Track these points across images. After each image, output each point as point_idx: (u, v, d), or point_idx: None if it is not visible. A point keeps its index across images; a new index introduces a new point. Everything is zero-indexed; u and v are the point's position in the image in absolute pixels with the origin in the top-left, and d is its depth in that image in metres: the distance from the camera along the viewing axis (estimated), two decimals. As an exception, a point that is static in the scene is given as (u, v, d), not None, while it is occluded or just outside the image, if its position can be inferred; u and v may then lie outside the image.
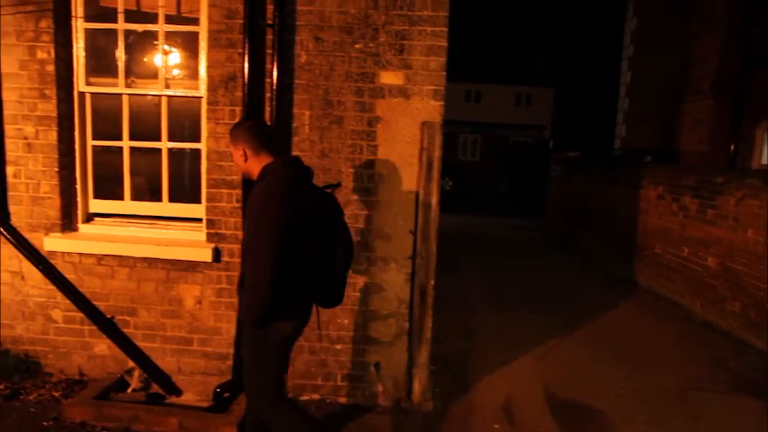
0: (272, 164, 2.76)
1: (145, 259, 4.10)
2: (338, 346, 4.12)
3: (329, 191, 2.98)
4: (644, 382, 4.87)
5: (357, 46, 3.83)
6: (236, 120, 3.87)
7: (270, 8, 3.80)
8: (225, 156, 3.95)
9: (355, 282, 4.01)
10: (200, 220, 4.21)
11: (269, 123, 3.80)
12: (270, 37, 3.81)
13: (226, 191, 3.98)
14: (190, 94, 4.10)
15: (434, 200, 3.85)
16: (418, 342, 4.02)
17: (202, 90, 4.05)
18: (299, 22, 3.84)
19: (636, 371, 5.11)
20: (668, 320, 6.89)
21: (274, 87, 3.77)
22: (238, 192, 3.96)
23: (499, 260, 10.26)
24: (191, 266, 4.07)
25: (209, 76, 3.92)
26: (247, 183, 3.81)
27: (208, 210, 4.04)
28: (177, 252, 4.05)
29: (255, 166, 2.79)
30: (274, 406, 2.85)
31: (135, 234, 4.19)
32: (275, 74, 3.76)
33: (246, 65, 3.76)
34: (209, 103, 3.93)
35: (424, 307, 3.97)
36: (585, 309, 7.09)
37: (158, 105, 4.15)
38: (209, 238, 4.05)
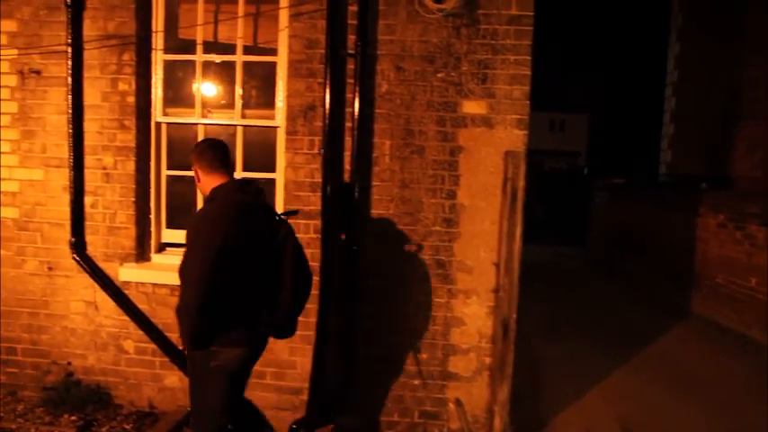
0: (223, 186, 2.72)
1: (220, 290, 4.02)
2: (416, 381, 3.99)
3: (285, 218, 2.88)
4: (727, 424, 4.63)
5: (439, 75, 3.77)
6: (315, 150, 3.84)
7: (351, 38, 3.76)
8: (303, 186, 3.90)
9: (435, 315, 3.90)
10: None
11: (348, 152, 3.76)
12: (351, 66, 3.78)
13: (303, 221, 3.92)
14: (266, 124, 4.07)
15: (518, 231, 3.73)
16: (500, 378, 3.87)
17: (279, 120, 4.02)
18: (380, 52, 3.79)
19: (715, 411, 4.87)
20: (737, 354, 6.61)
21: (356, 117, 3.72)
22: (316, 222, 3.89)
23: (547, 288, 10.04)
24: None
25: (289, 106, 3.89)
26: (326, 212, 3.75)
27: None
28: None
29: (207, 186, 2.76)
30: None
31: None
32: (357, 103, 3.71)
33: (328, 94, 3.72)
34: (287, 133, 3.89)
35: (506, 342, 3.83)
36: (647, 340, 6.85)
37: (233, 135, 4.12)
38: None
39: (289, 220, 2.93)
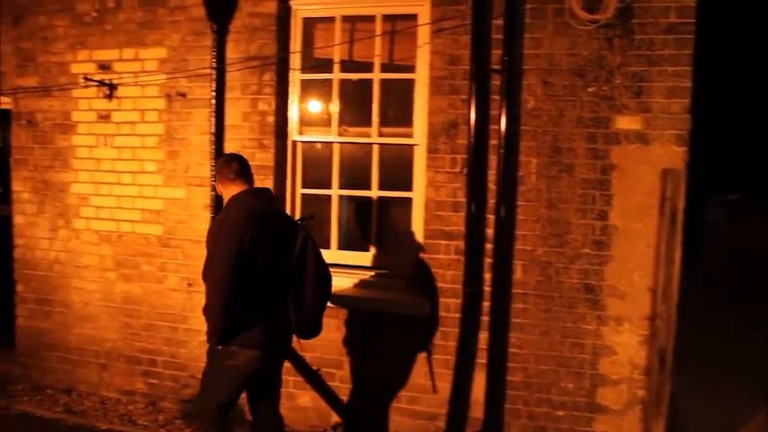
0: (237, 195, 2.89)
1: (354, 311, 3.98)
2: (560, 413, 3.77)
3: (301, 223, 3.03)
4: None
5: (589, 90, 3.58)
6: (457, 168, 3.73)
7: (495, 53, 3.64)
8: (444, 205, 3.79)
9: (583, 342, 3.68)
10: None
11: (496, 171, 3.62)
12: (495, 82, 3.64)
13: (444, 242, 3.81)
14: (404, 142, 4.00)
15: (678, 255, 3.47)
16: (654, 413, 3.60)
17: (417, 138, 3.94)
18: (526, 66, 3.65)
19: None
20: None
21: (502, 134, 3.58)
22: (458, 243, 3.77)
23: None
24: (402, 320, 3.90)
25: (430, 124, 3.80)
26: (470, 233, 3.63)
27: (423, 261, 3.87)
28: (391, 305, 3.89)
29: (227, 196, 2.95)
30: (210, 427, 2.96)
31: (347, 285, 4.09)
32: (503, 120, 3.57)
33: (473, 111, 3.61)
34: (428, 151, 3.80)
35: (662, 374, 3.56)
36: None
37: (368, 153, 4.08)
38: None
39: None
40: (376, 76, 4.01)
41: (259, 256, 2.73)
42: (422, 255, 3.91)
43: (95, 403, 4.60)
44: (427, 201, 3.84)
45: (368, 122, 4.08)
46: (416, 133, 3.95)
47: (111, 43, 4.42)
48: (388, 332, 3.94)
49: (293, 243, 2.89)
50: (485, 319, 3.78)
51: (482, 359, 3.80)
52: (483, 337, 3.80)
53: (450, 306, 3.85)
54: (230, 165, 2.97)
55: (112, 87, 4.38)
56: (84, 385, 4.74)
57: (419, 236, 3.94)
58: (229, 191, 2.95)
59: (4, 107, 4.97)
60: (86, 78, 4.28)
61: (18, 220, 4.84)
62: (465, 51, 3.70)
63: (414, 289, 3.97)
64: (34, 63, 4.67)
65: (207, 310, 2.76)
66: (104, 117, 4.48)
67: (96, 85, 4.32)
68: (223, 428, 2.98)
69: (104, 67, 4.45)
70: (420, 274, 3.89)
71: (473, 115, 3.62)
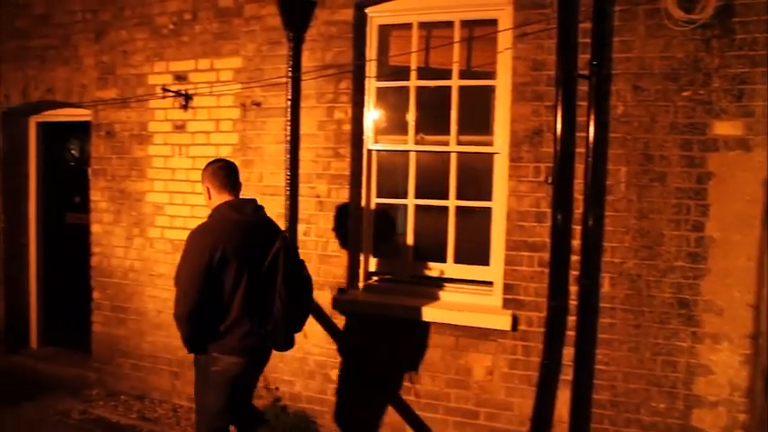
0: (219, 206, 2.92)
1: (434, 324, 3.88)
2: (651, 434, 3.56)
3: (283, 232, 3.07)
4: None
5: (684, 94, 3.39)
6: (541, 177, 3.60)
7: (582, 57, 3.50)
8: (527, 216, 3.66)
9: (676, 360, 3.48)
10: (487, 283, 3.93)
11: (582, 180, 3.47)
12: (582, 88, 3.50)
13: (527, 253, 3.67)
14: (483, 151, 3.88)
15: (783, 269, 3.23)
16: (757, 438, 3.35)
17: (498, 146, 3.83)
18: (614, 71, 3.49)
19: None
20: None
21: (590, 142, 3.43)
22: (542, 255, 3.63)
23: None
24: (483, 334, 3.78)
25: (512, 132, 3.68)
26: (555, 244, 3.49)
27: (506, 273, 3.75)
28: (469, 318, 3.78)
29: (214, 203, 2.98)
30: None
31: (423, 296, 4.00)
32: (592, 127, 3.42)
33: (559, 118, 3.47)
34: (510, 160, 3.68)
35: (766, 396, 3.31)
36: None
37: (445, 162, 3.98)
38: (506, 304, 3.75)
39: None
40: (454, 82, 3.91)
41: (232, 266, 2.75)
42: (503, 266, 3.77)
43: (168, 411, 4.62)
44: (509, 211, 3.71)
45: (445, 130, 3.98)
46: (497, 141, 3.84)
47: (187, 54, 4.47)
48: (468, 345, 3.81)
49: (268, 253, 2.91)
50: (570, 333, 3.62)
51: (567, 376, 3.64)
52: (568, 352, 3.64)
53: (533, 320, 3.70)
54: (226, 172, 3.01)
55: (188, 98, 4.42)
56: (157, 392, 4.77)
57: (500, 247, 3.82)
58: (219, 199, 2.98)
59: (83, 119, 5.08)
60: (164, 89, 4.34)
61: (95, 228, 4.93)
62: (549, 56, 3.57)
63: (494, 302, 3.84)
64: (113, 76, 4.76)
65: (174, 318, 2.80)
66: (180, 127, 4.52)
67: (173, 96, 4.36)
68: None
69: (180, 77, 4.50)
70: (505, 286, 3.76)
71: (559, 122, 3.49)
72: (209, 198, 3.01)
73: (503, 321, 3.70)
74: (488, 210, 3.90)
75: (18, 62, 5.18)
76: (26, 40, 5.13)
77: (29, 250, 5.59)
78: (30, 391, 4.87)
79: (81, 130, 5.28)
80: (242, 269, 2.80)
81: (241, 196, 3.11)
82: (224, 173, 3.01)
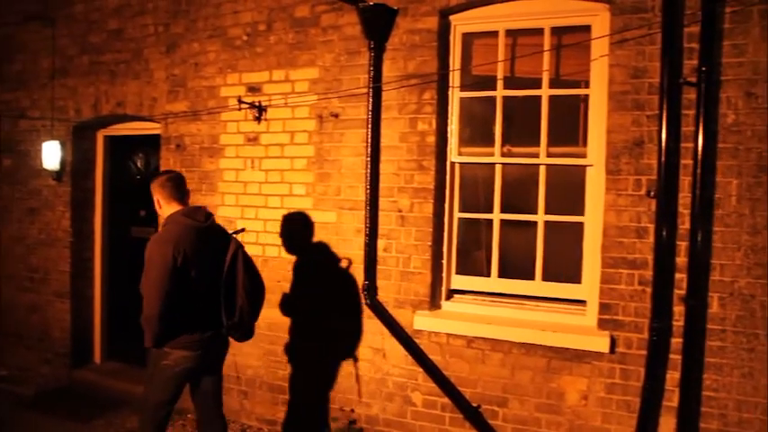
0: (173, 214, 3.15)
1: (522, 344, 3.69)
2: (766, 467, 3.28)
3: (234, 236, 3.30)
4: None
5: (803, 101, 3.16)
6: (642, 190, 3.40)
7: (687, 63, 3.31)
8: (627, 231, 3.45)
9: (796, 388, 3.20)
10: (577, 301, 3.73)
11: (688, 194, 3.27)
12: (687, 96, 3.31)
13: (626, 271, 3.46)
14: (576, 163, 3.70)
15: None
16: None
17: (592, 158, 3.64)
18: (724, 77, 3.29)
19: None
20: None
21: (699, 153, 3.21)
22: (643, 273, 3.41)
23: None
24: (577, 356, 3.57)
25: (609, 143, 3.49)
26: (658, 261, 3.28)
27: (602, 292, 3.53)
28: (562, 339, 3.58)
29: (165, 213, 3.20)
30: (145, 425, 3.22)
31: (509, 315, 3.81)
32: (700, 137, 3.21)
33: (664, 128, 3.27)
34: (608, 173, 3.49)
35: None
36: None
37: (533, 175, 3.80)
38: (602, 324, 3.53)
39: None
40: (544, 92, 3.75)
41: (192, 268, 3.02)
42: (598, 284, 3.57)
43: (236, 431, 4.48)
44: (606, 226, 3.51)
45: (532, 142, 3.81)
46: (591, 153, 3.65)
47: (261, 65, 4.39)
48: (561, 368, 3.61)
49: (225, 254, 3.16)
50: (674, 357, 3.38)
51: (670, 402, 3.41)
52: (671, 377, 3.40)
53: (632, 341, 3.48)
54: (173, 183, 3.22)
55: (262, 109, 4.33)
56: (225, 411, 4.61)
57: (594, 264, 3.61)
58: (169, 209, 3.20)
59: (151, 132, 5.04)
60: (240, 101, 4.25)
61: (163, 243, 4.85)
62: (651, 63, 3.38)
63: (588, 321, 3.63)
64: (184, 88, 4.71)
65: (145, 319, 2.98)
66: (252, 140, 4.43)
67: (248, 108, 4.27)
68: (157, 428, 3.21)
69: (254, 89, 4.42)
70: (602, 306, 3.55)
71: (663, 132, 3.29)
72: (160, 208, 3.24)
73: (600, 343, 3.49)
74: (578, 225, 3.70)
75: (89, 77, 5.18)
76: (98, 55, 5.13)
77: (94, 264, 5.56)
78: (97, 408, 4.81)
79: (147, 144, 5.26)
80: (201, 270, 3.07)
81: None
82: (171, 184, 3.21)
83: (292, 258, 4.30)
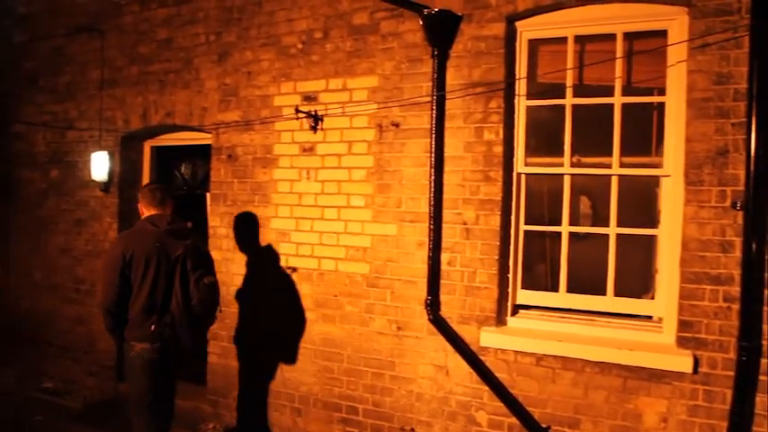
0: (143, 218, 3.58)
1: (596, 363, 3.52)
2: None
3: (188, 241, 3.52)
4: None
5: None
6: (727, 202, 3.24)
7: (775, 68, 3.11)
8: (710, 245, 3.29)
9: None
10: (650, 317, 3.57)
11: None
12: (777, 102, 3.11)
13: (709, 287, 3.29)
14: (652, 173, 3.54)
15: None
16: None
17: (668, 167, 3.48)
18: (817, 83, 3.09)
19: None
20: None
21: (793, 164, 3.04)
22: (728, 289, 3.25)
23: None
24: (655, 375, 3.40)
25: (689, 152, 3.33)
26: (746, 276, 3.10)
27: (681, 308, 3.36)
28: (640, 357, 3.41)
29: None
30: (135, 415, 3.51)
31: (580, 332, 3.65)
32: (797, 146, 3.03)
33: (752, 137, 3.11)
34: (688, 183, 3.33)
35: None
36: None
37: (605, 186, 3.65)
38: (682, 342, 3.37)
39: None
40: (617, 100, 3.60)
41: (140, 267, 3.34)
42: (677, 300, 3.40)
43: (290, 449, 4.36)
44: (686, 239, 3.35)
45: (602, 151, 3.66)
46: (667, 163, 3.49)
47: (317, 74, 4.30)
48: (638, 388, 3.44)
49: (171, 258, 3.42)
50: (763, 378, 3.19)
51: (761, 428, 3.22)
52: (761, 400, 3.22)
53: (716, 361, 3.30)
54: (153, 194, 3.63)
55: (318, 119, 4.23)
56: (277, 429, 4.54)
57: (672, 279, 3.45)
58: (144, 215, 3.61)
59: (198, 142, 4.98)
60: (297, 110, 4.15)
61: (213, 255, 4.74)
62: (737, 68, 3.22)
63: (665, 339, 3.46)
64: (236, 97, 4.64)
65: (100, 309, 3.50)
66: (308, 150, 4.33)
67: (305, 117, 4.18)
68: (146, 414, 3.46)
69: (309, 98, 4.33)
70: (682, 323, 3.38)
71: (753, 141, 3.12)
72: (142, 214, 3.64)
73: (683, 362, 3.32)
74: (649, 238, 3.54)
75: (138, 87, 5.14)
76: (147, 65, 5.08)
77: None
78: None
79: (195, 154, 5.19)
80: (148, 270, 3.35)
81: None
82: (151, 194, 3.62)
83: (349, 272, 4.18)
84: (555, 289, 3.83)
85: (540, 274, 3.91)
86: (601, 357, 3.52)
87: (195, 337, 3.53)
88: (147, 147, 5.49)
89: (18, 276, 5.97)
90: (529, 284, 3.92)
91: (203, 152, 4.90)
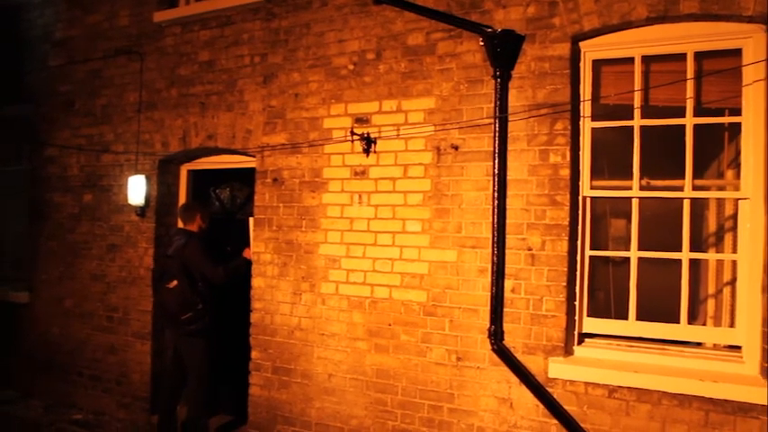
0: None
1: (675, 395, 3.35)
2: None
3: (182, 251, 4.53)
4: None
5: None
6: (815, 226, 3.08)
7: None
8: (798, 271, 3.12)
9: None
10: (728, 347, 3.41)
11: None
12: None
13: (799, 315, 3.13)
14: (730, 196, 3.42)
15: None
16: None
17: (746, 190, 3.35)
18: None
19: None
20: None
21: None
22: (820, 317, 3.07)
23: None
24: (740, 409, 3.23)
25: (772, 174, 3.20)
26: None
27: (765, 337, 3.20)
28: (723, 390, 3.24)
29: None
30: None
31: (653, 362, 3.50)
32: None
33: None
34: (771, 207, 3.19)
35: None
36: None
37: (676, 210, 3.52)
38: (766, 373, 3.19)
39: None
40: (688, 121, 3.49)
41: (160, 270, 4.62)
42: (760, 329, 3.25)
43: (339, 486, 4.16)
44: (770, 265, 3.20)
45: (672, 174, 3.54)
46: (745, 185, 3.36)
47: (369, 95, 4.20)
48: (723, 422, 3.27)
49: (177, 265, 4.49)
50: None
51: None
52: None
53: (809, 395, 3.13)
54: (188, 212, 4.75)
55: (371, 141, 4.11)
56: (326, 465, 4.32)
57: (753, 306, 3.31)
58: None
59: (240, 166, 4.86)
60: (352, 133, 4.04)
61: (257, 282, 4.62)
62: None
63: (747, 370, 3.31)
64: (283, 120, 4.53)
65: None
66: (360, 173, 4.21)
67: (358, 140, 4.06)
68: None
69: (361, 120, 4.22)
70: (757, 351, 3.23)
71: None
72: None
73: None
74: (722, 262, 3.40)
75: (178, 110, 5.04)
76: (187, 88, 4.99)
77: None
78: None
79: (234, 178, 5.06)
80: (163, 272, 4.55)
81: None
82: (180, 212, 4.90)
83: (405, 300, 4.02)
84: (622, 316, 3.67)
85: (607, 301, 3.76)
86: (680, 389, 3.35)
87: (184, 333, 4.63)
88: (184, 170, 5.37)
89: (47, 303, 5.81)
90: (593, 312, 3.76)
91: (242, 176, 4.78)
